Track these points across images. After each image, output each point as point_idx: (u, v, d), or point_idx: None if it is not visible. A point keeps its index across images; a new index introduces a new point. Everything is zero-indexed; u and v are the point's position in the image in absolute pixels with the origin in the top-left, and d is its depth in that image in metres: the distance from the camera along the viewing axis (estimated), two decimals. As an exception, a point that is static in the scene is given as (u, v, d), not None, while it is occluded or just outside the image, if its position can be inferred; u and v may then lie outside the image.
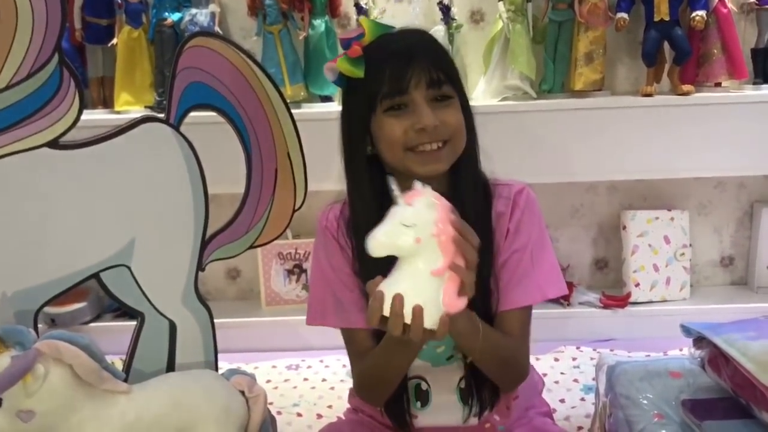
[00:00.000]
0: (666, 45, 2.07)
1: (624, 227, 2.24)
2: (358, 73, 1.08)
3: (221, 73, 1.34)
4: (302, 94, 2.11)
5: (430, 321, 0.89)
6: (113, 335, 1.71)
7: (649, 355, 1.93)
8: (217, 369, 1.39)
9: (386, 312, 0.89)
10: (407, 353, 1.07)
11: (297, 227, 2.13)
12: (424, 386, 1.21)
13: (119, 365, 1.25)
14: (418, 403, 1.21)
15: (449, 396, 1.20)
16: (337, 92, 2.16)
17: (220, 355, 1.40)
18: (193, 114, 1.34)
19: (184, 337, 1.35)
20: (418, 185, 0.92)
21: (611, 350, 2.04)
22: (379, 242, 0.89)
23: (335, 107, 2.14)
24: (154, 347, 1.34)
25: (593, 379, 1.67)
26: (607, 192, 2.31)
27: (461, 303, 0.90)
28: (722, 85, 2.11)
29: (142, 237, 1.30)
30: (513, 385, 1.20)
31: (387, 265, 0.92)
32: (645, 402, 1.30)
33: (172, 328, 1.34)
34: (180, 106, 1.32)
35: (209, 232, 1.36)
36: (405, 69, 1.06)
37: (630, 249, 2.22)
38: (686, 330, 1.33)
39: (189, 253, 1.34)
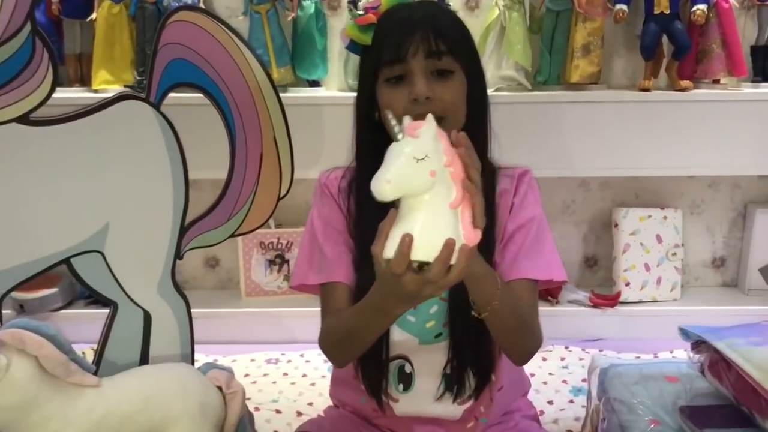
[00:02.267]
0: (665, 39, 2.03)
1: (616, 225, 2.21)
2: (365, 39, 1.11)
3: (206, 50, 1.29)
4: (289, 77, 2.05)
5: (453, 257, 0.83)
6: (85, 323, 1.66)
7: (639, 357, 1.89)
8: (193, 362, 1.36)
9: (413, 256, 0.81)
10: (395, 314, 0.97)
11: (280, 216, 2.08)
12: (407, 368, 1.17)
13: (90, 355, 1.20)
14: (401, 386, 1.18)
15: (433, 381, 1.16)
16: (325, 77, 2.10)
17: (196, 347, 1.37)
18: (175, 93, 1.30)
19: (159, 329, 1.32)
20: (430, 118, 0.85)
21: (600, 350, 2.00)
22: (390, 184, 0.80)
23: (323, 92, 2.10)
24: (127, 338, 1.30)
25: (583, 381, 1.63)
26: (600, 188, 2.28)
27: (478, 234, 0.84)
28: (721, 82, 2.08)
29: (117, 222, 1.27)
30: (528, 354, 1.14)
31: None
32: (640, 407, 1.26)
33: (147, 318, 1.31)
34: (161, 84, 1.28)
35: (189, 218, 1.33)
36: (405, 37, 1.06)
37: (621, 247, 2.19)
38: (685, 333, 1.30)
39: (166, 240, 1.30)
